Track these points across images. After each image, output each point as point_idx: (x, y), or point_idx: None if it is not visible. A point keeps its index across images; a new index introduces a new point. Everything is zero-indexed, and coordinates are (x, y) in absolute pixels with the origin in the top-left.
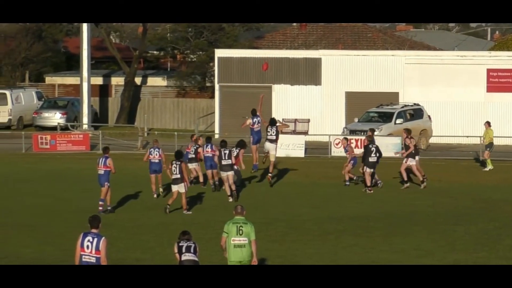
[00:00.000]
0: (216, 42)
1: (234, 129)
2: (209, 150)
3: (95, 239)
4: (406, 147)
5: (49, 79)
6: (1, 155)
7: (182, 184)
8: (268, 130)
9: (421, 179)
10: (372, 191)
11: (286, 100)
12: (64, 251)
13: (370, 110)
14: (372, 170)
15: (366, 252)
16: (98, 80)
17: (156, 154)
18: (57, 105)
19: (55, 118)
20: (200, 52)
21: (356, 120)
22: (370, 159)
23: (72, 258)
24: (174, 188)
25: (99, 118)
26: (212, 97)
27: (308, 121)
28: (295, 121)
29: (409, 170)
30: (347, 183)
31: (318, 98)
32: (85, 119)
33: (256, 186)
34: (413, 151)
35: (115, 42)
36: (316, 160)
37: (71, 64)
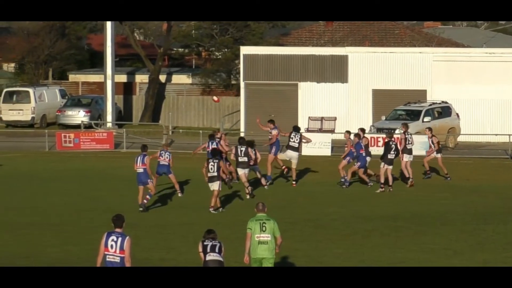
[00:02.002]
0: (242, 39)
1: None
2: (215, 147)
3: (119, 239)
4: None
5: (72, 77)
6: (24, 153)
7: (218, 182)
8: (292, 136)
9: (408, 175)
10: (384, 189)
11: (312, 98)
12: (88, 251)
13: (398, 108)
14: (390, 167)
15: (394, 252)
16: (122, 78)
17: (167, 157)
18: (81, 103)
19: (79, 116)
20: (225, 49)
21: (383, 118)
22: (389, 156)
23: (96, 258)
24: (211, 186)
25: (123, 116)
26: (238, 94)
27: (335, 119)
28: (322, 119)
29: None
30: (343, 180)
31: (344, 95)
32: (109, 117)
33: (282, 186)
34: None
35: (139, 39)
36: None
37: (95, 61)
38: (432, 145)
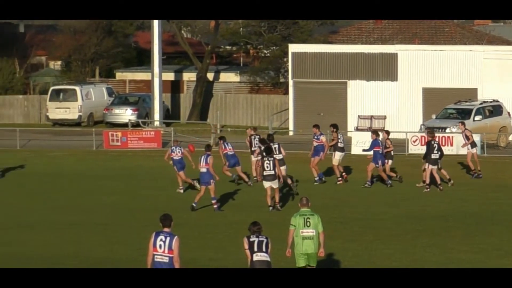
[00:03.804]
0: (290, 36)
1: (309, 126)
2: (231, 148)
3: (168, 238)
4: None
5: (119, 75)
6: (72, 152)
7: (276, 180)
8: (339, 137)
9: (426, 182)
10: (429, 189)
11: (361, 96)
12: (137, 251)
13: (448, 106)
14: (435, 167)
15: (445, 252)
16: (170, 76)
17: (179, 152)
18: (128, 101)
19: (126, 114)
20: (274, 47)
21: (433, 116)
22: (433, 156)
23: (145, 258)
24: (267, 184)
25: (170, 114)
26: (286, 93)
27: (384, 117)
28: (371, 117)
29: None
30: (368, 183)
31: (394, 94)
32: (156, 116)
33: (331, 185)
34: (391, 152)
35: (187, 37)
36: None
37: (142, 59)
38: (466, 139)
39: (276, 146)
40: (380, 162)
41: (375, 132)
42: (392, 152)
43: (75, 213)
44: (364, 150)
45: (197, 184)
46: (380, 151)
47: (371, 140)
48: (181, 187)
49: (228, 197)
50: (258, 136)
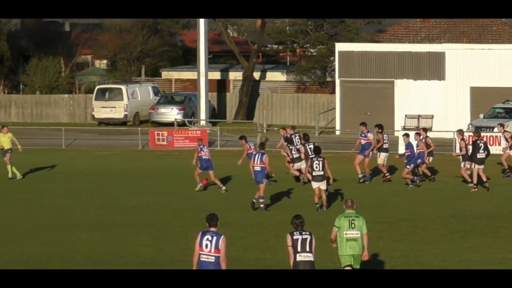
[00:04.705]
0: (337, 35)
1: (356, 125)
2: (254, 147)
3: (214, 238)
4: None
5: (165, 74)
6: (117, 151)
7: (325, 181)
8: (385, 138)
9: (470, 181)
10: (476, 189)
11: (408, 96)
12: (183, 250)
13: (496, 106)
14: (481, 166)
15: (493, 252)
16: (216, 75)
17: (207, 152)
18: (174, 100)
19: (172, 114)
20: (320, 46)
21: (481, 116)
22: (479, 156)
23: (191, 257)
24: (315, 185)
25: (217, 113)
26: (333, 92)
27: (432, 117)
28: (418, 117)
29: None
30: (410, 185)
31: (441, 93)
32: (202, 115)
33: (377, 185)
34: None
35: (233, 36)
36: (440, 158)
37: (188, 58)
38: (506, 141)
39: (311, 146)
40: (412, 165)
41: (406, 134)
42: (433, 150)
43: (121, 212)
44: (408, 164)
45: (198, 181)
46: (411, 154)
47: (405, 143)
48: (222, 186)
49: (275, 197)
50: (297, 135)
